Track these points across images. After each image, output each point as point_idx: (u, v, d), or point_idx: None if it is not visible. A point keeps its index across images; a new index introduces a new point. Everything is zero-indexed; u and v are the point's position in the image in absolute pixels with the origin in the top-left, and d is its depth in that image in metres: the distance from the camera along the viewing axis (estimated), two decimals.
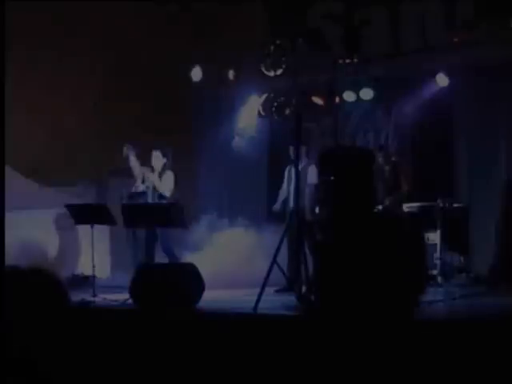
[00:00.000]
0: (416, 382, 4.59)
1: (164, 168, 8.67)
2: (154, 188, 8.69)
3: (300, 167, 8.52)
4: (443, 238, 8.40)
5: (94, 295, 7.66)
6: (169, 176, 8.68)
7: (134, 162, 8.65)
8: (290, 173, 8.67)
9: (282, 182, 8.96)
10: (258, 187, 10.97)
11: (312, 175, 8.46)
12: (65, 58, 10.39)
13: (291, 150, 8.58)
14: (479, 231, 9.04)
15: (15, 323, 2.75)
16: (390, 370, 4.54)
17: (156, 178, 8.65)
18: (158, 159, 8.67)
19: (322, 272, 5.91)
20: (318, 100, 9.57)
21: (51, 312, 2.91)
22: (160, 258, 8.81)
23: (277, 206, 8.87)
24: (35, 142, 10.62)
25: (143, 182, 8.76)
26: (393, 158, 9.26)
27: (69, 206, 8.55)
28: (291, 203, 8.43)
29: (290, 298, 6.88)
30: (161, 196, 8.68)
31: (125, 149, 8.62)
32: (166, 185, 8.67)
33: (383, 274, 5.64)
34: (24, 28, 9.67)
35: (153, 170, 8.74)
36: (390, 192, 8.78)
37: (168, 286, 6.92)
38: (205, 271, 7.27)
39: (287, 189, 8.71)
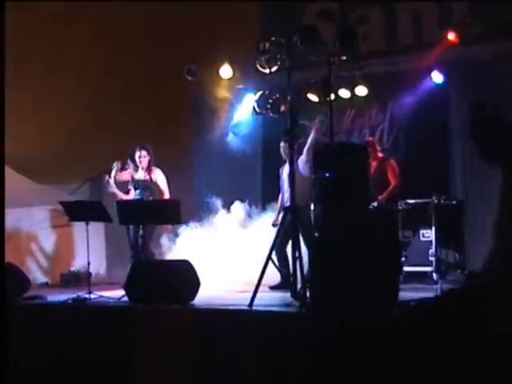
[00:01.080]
0: (409, 377, 4.60)
1: (150, 164, 8.86)
2: (144, 186, 8.84)
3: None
4: (438, 234, 8.41)
5: (90, 292, 7.66)
6: (160, 176, 8.87)
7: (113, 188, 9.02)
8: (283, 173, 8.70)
9: (277, 181, 8.89)
10: (253, 181, 11.00)
11: (302, 169, 8.40)
12: (63, 57, 10.37)
13: (282, 148, 8.60)
14: (474, 228, 9.06)
15: None
16: (384, 366, 4.55)
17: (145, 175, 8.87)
18: (145, 158, 8.86)
19: (318, 269, 5.92)
20: (313, 97, 9.56)
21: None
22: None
23: (277, 223, 8.75)
24: (31, 140, 10.62)
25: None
26: (379, 154, 9.26)
27: (63, 203, 8.56)
28: (287, 201, 8.45)
29: (285, 295, 6.90)
30: (151, 194, 8.84)
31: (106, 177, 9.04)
32: (162, 183, 8.84)
33: (378, 270, 5.66)
34: (21, 27, 9.65)
35: (136, 168, 8.94)
36: (377, 188, 8.76)
37: (163, 282, 6.93)
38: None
39: (282, 189, 8.70)
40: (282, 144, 8.59)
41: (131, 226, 8.86)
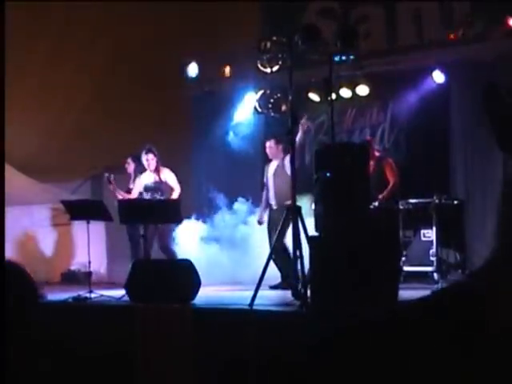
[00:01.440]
0: (409, 376, 4.60)
1: (158, 165, 8.89)
2: (154, 188, 8.88)
3: (278, 163, 8.60)
4: (439, 234, 8.40)
5: (90, 291, 7.66)
6: (169, 174, 8.92)
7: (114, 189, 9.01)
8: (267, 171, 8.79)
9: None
10: (254, 180, 11.01)
11: (289, 168, 8.40)
12: (62, 55, 10.38)
13: (268, 147, 8.69)
14: (475, 228, 9.04)
15: None
16: (385, 365, 4.55)
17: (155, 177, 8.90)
18: (152, 161, 8.90)
19: (318, 268, 5.92)
20: (314, 96, 9.57)
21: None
22: (158, 254, 8.87)
23: (261, 220, 8.84)
24: (32, 138, 10.62)
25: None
26: (376, 153, 9.25)
27: (65, 202, 8.56)
28: (272, 200, 8.51)
29: (286, 294, 6.90)
30: (162, 195, 8.87)
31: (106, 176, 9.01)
32: (173, 182, 8.90)
33: (378, 270, 5.66)
34: (21, 27, 9.65)
35: (143, 170, 9.02)
36: (376, 187, 8.75)
37: (164, 282, 6.93)
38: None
39: (267, 187, 8.76)
40: (267, 144, 8.77)
41: (141, 226, 8.84)
